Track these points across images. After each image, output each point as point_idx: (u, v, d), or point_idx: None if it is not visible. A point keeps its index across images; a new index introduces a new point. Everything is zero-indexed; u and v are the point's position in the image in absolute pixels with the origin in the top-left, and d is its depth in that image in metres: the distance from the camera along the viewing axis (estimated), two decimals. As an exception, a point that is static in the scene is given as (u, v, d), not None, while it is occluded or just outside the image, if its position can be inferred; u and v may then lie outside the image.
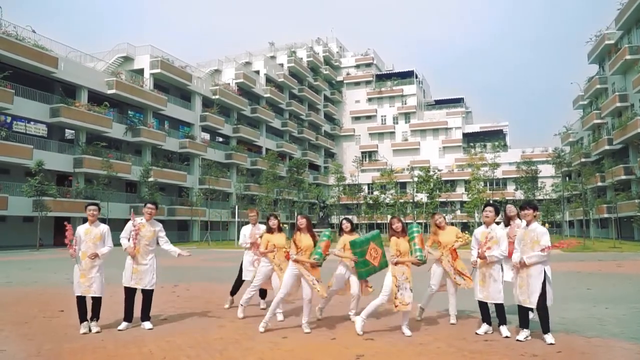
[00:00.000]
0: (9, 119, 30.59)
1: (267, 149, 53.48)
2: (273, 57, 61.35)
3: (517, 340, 5.38)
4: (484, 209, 6.04)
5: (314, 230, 6.46)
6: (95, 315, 6.05)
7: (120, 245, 6.26)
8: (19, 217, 30.82)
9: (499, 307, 5.76)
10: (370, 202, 48.99)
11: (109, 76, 35.86)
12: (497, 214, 6.15)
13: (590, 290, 9.56)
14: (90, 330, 5.91)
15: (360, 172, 57.67)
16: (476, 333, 5.77)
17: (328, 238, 6.21)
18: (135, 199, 36.86)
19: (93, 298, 6.02)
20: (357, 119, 73.85)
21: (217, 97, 45.89)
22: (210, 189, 40.23)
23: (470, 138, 69.63)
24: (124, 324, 6.12)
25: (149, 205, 6.42)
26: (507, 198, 45.54)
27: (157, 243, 6.49)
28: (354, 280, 6.55)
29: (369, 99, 73.73)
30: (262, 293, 7.71)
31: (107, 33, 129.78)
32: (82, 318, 5.96)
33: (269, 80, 56.50)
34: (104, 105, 33.98)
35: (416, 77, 73.44)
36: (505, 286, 5.88)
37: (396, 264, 5.83)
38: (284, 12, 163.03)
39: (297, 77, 63.28)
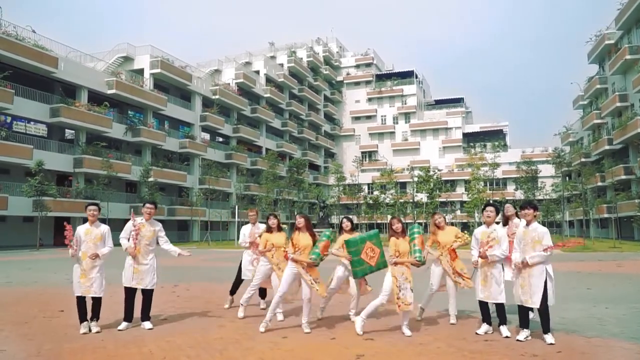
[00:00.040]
0: (9, 119, 30.60)
1: (267, 149, 53.48)
2: (273, 57, 61.36)
3: (517, 340, 5.38)
4: (484, 209, 6.04)
5: (315, 230, 6.46)
6: (95, 316, 6.05)
7: (120, 245, 6.27)
8: (19, 217, 30.82)
9: (500, 307, 5.76)
10: (370, 202, 49.02)
11: (109, 76, 35.86)
12: (497, 214, 6.16)
13: (590, 290, 9.56)
14: (90, 330, 5.91)
15: (360, 172, 57.68)
16: (476, 333, 5.77)
17: (328, 238, 6.20)
18: (135, 199, 36.87)
19: (93, 298, 6.02)
20: (357, 119, 73.86)
21: (217, 97, 45.90)
22: (210, 189, 40.24)
23: (470, 138, 69.63)
24: (124, 324, 6.12)
25: (147, 205, 6.42)
26: (507, 198, 45.53)
27: (157, 243, 6.50)
28: (352, 280, 6.56)
29: (369, 99, 73.73)
30: (262, 293, 7.72)
31: (107, 33, 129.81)
32: (82, 318, 5.96)
33: (269, 80, 56.50)
34: (104, 105, 33.98)
35: (416, 77, 73.44)
36: (505, 285, 5.88)
37: (395, 264, 5.84)
38: (284, 12, 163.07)
39: (297, 77, 63.28)
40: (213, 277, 12.72)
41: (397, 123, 72.07)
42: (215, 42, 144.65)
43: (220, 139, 49.69)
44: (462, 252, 6.68)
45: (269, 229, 6.86)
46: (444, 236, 6.53)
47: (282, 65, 60.56)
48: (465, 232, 6.92)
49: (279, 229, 6.91)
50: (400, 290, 5.71)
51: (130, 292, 6.21)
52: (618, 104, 39.66)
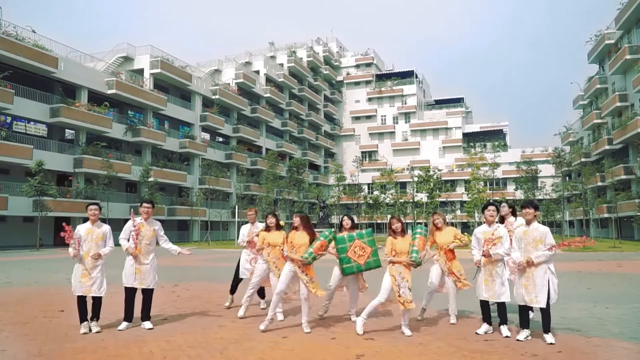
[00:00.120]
0: (9, 119, 30.60)
1: (267, 149, 53.46)
2: (273, 57, 61.34)
3: (517, 340, 5.38)
4: (486, 208, 6.04)
5: (316, 230, 6.47)
6: (96, 315, 6.06)
7: (120, 245, 6.27)
8: (19, 217, 30.83)
9: (502, 306, 5.76)
10: (370, 202, 49.01)
11: (109, 76, 35.86)
12: (498, 213, 6.18)
13: (591, 290, 9.57)
14: (90, 330, 5.91)
15: (360, 172, 57.68)
16: (476, 333, 5.77)
17: (325, 238, 6.19)
18: (136, 199, 36.84)
19: (94, 298, 6.02)
20: (357, 118, 73.86)
21: (217, 97, 45.90)
22: (210, 189, 40.24)
23: (470, 138, 69.62)
24: (124, 324, 6.12)
25: (144, 204, 6.42)
26: (507, 198, 45.52)
27: (157, 243, 6.50)
28: (350, 279, 6.58)
29: (369, 99, 73.73)
30: (261, 293, 7.73)
31: (107, 33, 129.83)
32: (83, 318, 5.96)
33: (269, 80, 56.49)
34: (104, 105, 33.98)
35: (416, 77, 73.44)
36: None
37: (391, 263, 5.86)
38: (284, 12, 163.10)
39: (297, 77, 63.27)
40: (213, 277, 12.72)
41: (397, 123, 72.06)
42: (215, 42, 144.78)
43: (220, 139, 49.69)
44: (462, 252, 6.69)
45: (267, 228, 6.89)
46: (442, 237, 6.55)
47: (282, 65, 60.54)
48: (465, 233, 6.92)
49: (278, 228, 6.92)
50: (400, 289, 5.72)
51: (130, 292, 6.21)
52: (618, 104, 39.67)
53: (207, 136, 46.96)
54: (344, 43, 79.69)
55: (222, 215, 41.33)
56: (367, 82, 74.17)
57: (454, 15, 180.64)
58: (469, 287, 6.43)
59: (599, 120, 45.31)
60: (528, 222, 5.62)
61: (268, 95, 55.03)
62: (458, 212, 54.39)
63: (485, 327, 5.83)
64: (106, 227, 6.22)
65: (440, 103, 78.59)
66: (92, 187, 32.44)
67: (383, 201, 47.83)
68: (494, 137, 64.85)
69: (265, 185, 43.36)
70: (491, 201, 7.10)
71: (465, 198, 50.69)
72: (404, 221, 6.36)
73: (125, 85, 35.79)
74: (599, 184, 40.88)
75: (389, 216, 38.80)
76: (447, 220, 7.24)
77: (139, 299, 6.25)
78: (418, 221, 45.09)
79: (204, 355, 4.91)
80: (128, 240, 6.22)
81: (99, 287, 6.02)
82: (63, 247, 14.85)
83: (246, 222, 7.99)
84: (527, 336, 5.43)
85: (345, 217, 6.85)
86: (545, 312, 5.37)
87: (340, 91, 75.17)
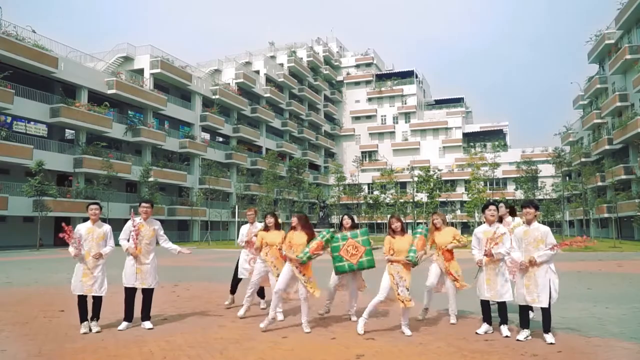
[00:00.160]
0: (9, 119, 30.60)
1: (267, 149, 53.47)
2: (273, 57, 61.34)
3: (517, 340, 5.38)
4: (487, 208, 6.03)
5: (316, 230, 6.47)
6: (96, 315, 6.06)
7: (119, 245, 6.28)
8: (19, 217, 30.83)
9: (502, 306, 5.76)
10: (371, 202, 49.04)
11: (109, 76, 35.86)
12: (498, 212, 6.19)
13: (591, 290, 9.57)
14: (90, 330, 5.91)
15: (360, 172, 57.69)
16: (476, 333, 5.77)
17: (322, 238, 6.18)
18: (136, 199, 36.82)
19: (94, 297, 6.03)
20: (357, 118, 73.86)
21: (217, 97, 45.90)
22: (211, 189, 40.24)
23: (470, 138, 69.63)
24: (124, 324, 6.12)
25: (143, 204, 6.42)
26: (507, 198, 45.53)
27: (157, 243, 6.50)
28: (349, 278, 6.60)
29: (369, 99, 73.73)
30: (261, 293, 7.73)
31: (107, 33, 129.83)
32: (83, 318, 5.96)
33: (269, 80, 56.49)
34: (104, 105, 33.99)
35: (416, 77, 73.45)
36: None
37: (389, 262, 5.88)
38: (284, 12, 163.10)
39: (297, 77, 63.27)
40: (213, 277, 12.72)
41: (397, 123, 72.06)
42: (215, 42, 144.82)
43: (220, 139, 49.69)
44: (463, 252, 6.68)
45: (266, 228, 6.90)
46: (440, 237, 6.56)
47: (282, 65, 60.55)
48: (465, 235, 6.93)
49: (277, 227, 6.93)
50: (398, 288, 5.74)
51: (130, 292, 6.22)
52: (618, 104, 39.66)
53: (207, 136, 46.97)
54: (344, 43, 79.75)
55: (222, 215, 41.33)
56: (367, 82, 74.18)
57: (454, 15, 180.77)
58: (467, 287, 6.45)
59: (599, 120, 45.31)
60: (528, 222, 5.62)
61: (268, 95, 55.04)
62: (458, 212, 54.42)
63: (485, 327, 5.82)
64: (107, 227, 6.23)
65: (440, 103, 78.60)
66: (92, 187, 32.44)
67: (383, 201, 47.86)
68: (494, 137, 64.85)
69: (265, 185, 43.37)
70: (491, 201, 7.09)
71: (465, 198, 50.72)
72: (403, 221, 6.36)
73: (125, 85, 35.79)
74: (599, 184, 40.88)
75: (389, 216, 38.79)
76: (448, 220, 7.22)
77: (139, 299, 6.25)
78: (418, 221, 45.10)
79: (204, 355, 4.91)
80: (128, 240, 6.22)
81: (100, 287, 6.03)
82: (63, 247, 14.85)
83: (246, 222, 8.00)
84: (527, 336, 5.42)
85: (346, 217, 6.85)
86: (547, 311, 5.37)
87: (340, 91, 75.17)
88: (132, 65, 40.25)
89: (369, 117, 73.22)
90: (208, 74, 49.79)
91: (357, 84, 74.98)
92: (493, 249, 5.69)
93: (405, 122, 71.56)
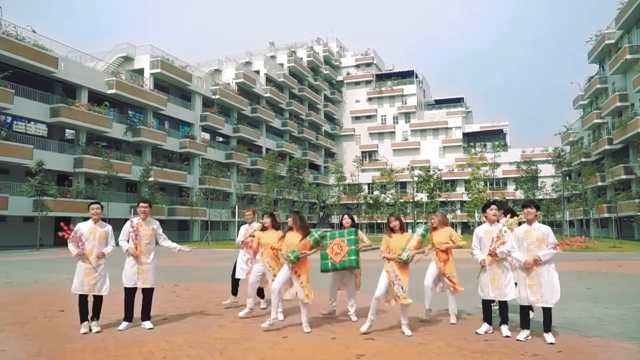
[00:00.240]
0: (9, 119, 30.60)
1: (267, 149, 53.47)
2: (273, 57, 61.34)
3: (518, 340, 5.38)
4: (488, 207, 6.03)
5: (314, 230, 6.47)
6: (96, 315, 6.06)
7: (120, 245, 6.28)
8: (19, 217, 30.83)
9: (503, 306, 5.76)
10: (371, 201, 49.03)
11: (109, 76, 35.86)
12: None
13: (591, 290, 9.58)
14: (90, 330, 5.91)
15: (360, 172, 57.71)
16: (476, 333, 5.77)
17: (310, 237, 6.16)
18: (136, 199, 36.78)
19: (95, 297, 6.03)
20: (357, 118, 73.85)
21: (217, 97, 45.90)
22: (211, 189, 40.24)
23: (471, 138, 69.63)
24: (124, 324, 6.12)
25: (142, 204, 6.43)
26: (507, 198, 45.56)
27: (157, 242, 6.50)
28: (346, 277, 6.62)
29: (369, 99, 73.72)
30: (261, 293, 7.73)
31: (107, 33, 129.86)
32: (83, 318, 5.96)
33: (269, 80, 56.49)
34: (104, 105, 33.98)
35: (416, 77, 73.45)
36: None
37: (386, 260, 5.90)
38: (284, 12, 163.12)
39: (297, 77, 63.27)
40: (213, 277, 12.72)
41: (397, 123, 72.06)
42: (215, 42, 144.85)
43: (220, 139, 49.69)
44: (463, 253, 6.67)
45: (263, 228, 6.91)
46: (437, 237, 6.57)
47: (282, 65, 60.54)
48: (465, 235, 6.94)
49: (275, 228, 6.92)
50: (394, 285, 5.75)
51: (130, 292, 6.22)
52: (618, 104, 39.66)
53: (207, 136, 46.97)
54: (344, 43, 79.74)
55: (222, 215, 41.33)
56: (367, 82, 74.17)
57: (454, 15, 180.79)
58: (461, 292, 6.44)
59: (599, 120, 45.30)
60: (529, 222, 5.62)
61: (268, 95, 55.03)
62: (458, 212, 54.41)
63: (485, 326, 5.82)
64: (109, 227, 6.25)
65: (440, 103, 78.59)
66: (92, 187, 32.44)
67: (383, 201, 47.85)
68: (494, 137, 64.84)
69: (265, 185, 43.36)
70: (492, 201, 7.09)
71: (465, 198, 50.73)
72: (403, 220, 6.36)
73: (126, 85, 35.79)
74: (599, 183, 40.87)
75: (388, 215, 38.76)
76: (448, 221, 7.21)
77: (138, 299, 6.25)
78: (418, 221, 45.09)
79: (204, 355, 4.91)
80: (128, 241, 6.22)
81: (102, 286, 6.04)
82: (63, 247, 14.85)
83: (246, 223, 8.01)
84: (527, 336, 5.43)
85: (346, 216, 6.86)
86: (548, 311, 5.37)
87: (340, 91, 75.16)
88: (132, 65, 40.24)
89: (369, 117, 73.22)
90: (208, 74, 49.79)
91: (357, 84, 74.98)
92: (497, 248, 5.69)
93: (405, 122, 71.55)
